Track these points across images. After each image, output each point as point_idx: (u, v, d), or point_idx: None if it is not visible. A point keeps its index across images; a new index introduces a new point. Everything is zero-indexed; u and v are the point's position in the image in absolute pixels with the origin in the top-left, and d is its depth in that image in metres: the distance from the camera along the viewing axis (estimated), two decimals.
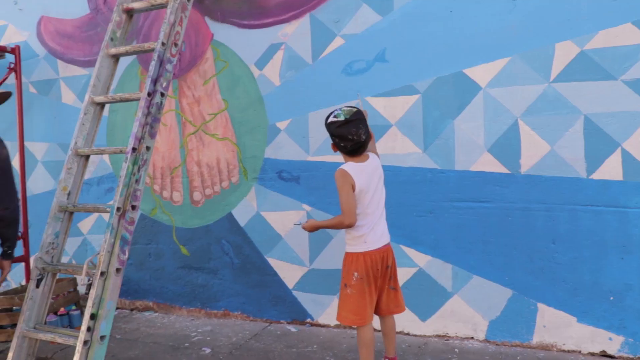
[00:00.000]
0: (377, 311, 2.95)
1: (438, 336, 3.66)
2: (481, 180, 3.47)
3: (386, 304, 2.93)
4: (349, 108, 2.80)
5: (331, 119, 2.80)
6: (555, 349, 3.38)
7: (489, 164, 3.45)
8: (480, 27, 3.44)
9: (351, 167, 2.79)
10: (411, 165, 3.66)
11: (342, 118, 2.75)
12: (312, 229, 2.98)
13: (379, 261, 2.83)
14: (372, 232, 2.83)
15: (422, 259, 3.67)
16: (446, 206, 3.57)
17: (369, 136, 2.84)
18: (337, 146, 2.85)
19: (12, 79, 5.11)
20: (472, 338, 3.57)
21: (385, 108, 3.72)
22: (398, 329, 3.70)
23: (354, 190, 2.76)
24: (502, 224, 3.44)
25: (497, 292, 3.48)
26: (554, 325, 3.38)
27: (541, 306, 3.40)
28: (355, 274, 2.81)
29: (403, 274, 3.69)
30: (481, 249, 3.50)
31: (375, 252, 2.83)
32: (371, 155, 2.91)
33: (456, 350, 3.44)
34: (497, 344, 3.49)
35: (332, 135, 2.82)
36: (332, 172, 3.77)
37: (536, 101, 3.34)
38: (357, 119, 2.75)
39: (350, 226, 2.78)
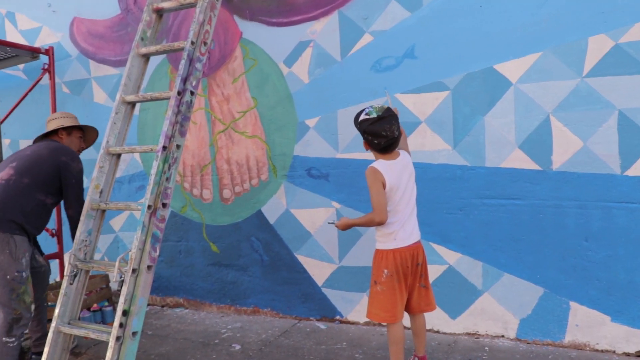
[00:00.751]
0: (407, 309, 2.98)
1: (468, 334, 3.68)
2: (512, 177, 3.48)
3: (417, 302, 2.96)
4: (379, 105, 2.84)
5: (363, 116, 2.83)
6: (588, 349, 3.37)
7: (520, 161, 3.46)
8: (511, 22, 3.45)
9: (382, 164, 2.83)
10: (441, 162, 3.68)
11: (374, 115, 2.78)
12: (345, 227, 3.01)
13: (409, 258, 2.86)
14: (402, 230, 2.86)
15: (452, 257, 3.69)
16: (476, 203, 3.59)
17: (400, 133, 2.87)
18: (369, 144, 2.87)
19: (46, 79, 5.29)
20: (503, 336, 3.58)
21: (414, 105, 3.75)
22: (428, 327, 3.75)
23: (384, 187, 2.79)
24: (533, 221, 3.44)
25: (528, 290, 3.49)
26: (586, 324, 3.37)
27: (573, 305, 3.40)
28: (385, 271, 2.84)
29: (433, 272, 3.73)
30: (512, 247, 3.50)
31: (405, 250, 2.86)
32: (402, 152, 2.94)
33: (486, 348, 3.46)
34: (528, 343, 3.50)
35: (364, 133, 2.84)
36: (361, 169, 3.84)
37: (568, 96, 3.33)
38: (389, 115, 2.78)
39: (381, 224, 2.81)
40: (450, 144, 3.65)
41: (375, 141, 2.80)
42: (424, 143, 3.73)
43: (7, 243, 3.13)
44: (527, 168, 3.44)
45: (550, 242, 3.42)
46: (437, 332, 3.77)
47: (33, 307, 3.31)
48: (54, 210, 5.20)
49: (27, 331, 4.14)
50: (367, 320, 3.99)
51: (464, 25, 3.58)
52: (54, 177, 3.34)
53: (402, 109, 3.75)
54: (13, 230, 3.17)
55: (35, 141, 3.63)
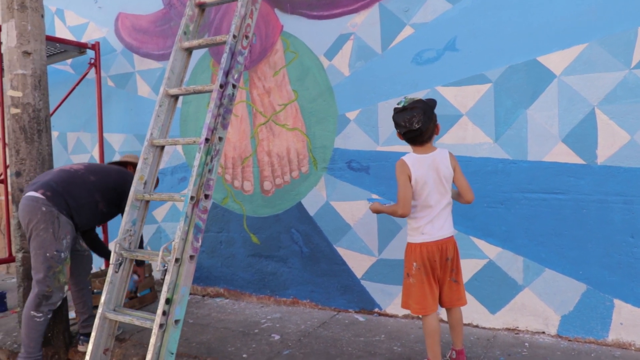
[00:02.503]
0: (440, 303, 3.06)
1: (507, 329, 3.70)
2: (555, 171, 3.48)
3: (448, 296, 3.03)
4: (411, 97, 2.95)
5: (395, 106, 3.00)
6: (633, 348, 3.35)
7: (564, 155, 3.45)
8: (556, 13, 3.44)
9: (410, 157, 2.94)
10: (482, 156, 3.71)
11: (401, 105, 2.93)
12: (375, 211, 3.15)
13: (437, 252, 2.94)
14: (430, 224, 2.94)
15: (492, 251, 3.71)
16: (518, 197, 3.60)
17: (427, 126, 2.90)
18: (399, 133, 3.00)
19: (92, 73, 5.52)
20: (544, 333, 3.60)
21: (455, 98, 3.78)
22: (467, 321, 3.79)
23: (410, 180, 2.90)
24: (577, 216, 3.43)
25: (570, 286, 3.49)
26: (632, 322, 3.35)
27: (618, 302, 3.37)
28: (414, 264, 2.96)
29: (472, 266, 3.77)
30: (554, 242, 3.51)
31: (432, 244, 2.94)
32: (440, 149, 3.00)
33: (526, 344, 3.48)
34: (569, 340, 3.50)
35: (393, 121, 2.99)
36: None
37: (615, 89, 3.30)
38: (414, 107, 2.87)
39: (403, 216, 2.93)
40: (492, 137, 3.67)
41: (397, 130, 2.97)
42: (465, 136, 3.76)
43: (52, 222, 3.34)
44: (571, 162, 3.44)
45: (594, 237, 3.40)
46: (476, 326, 3.81)
47: (66, 288, 3.52)
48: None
49: (73, 315, 4.37)
50: (406, 313, 4.06)
51: (506, 16, 3.59)
52: (116, 190, 3.67)
53: (443, 102, 3.79)
54: (62, 209, 3.40)
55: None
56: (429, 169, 2.92)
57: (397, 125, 2.93)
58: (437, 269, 2.96)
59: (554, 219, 3.50)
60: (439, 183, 2.95)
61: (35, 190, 3.36)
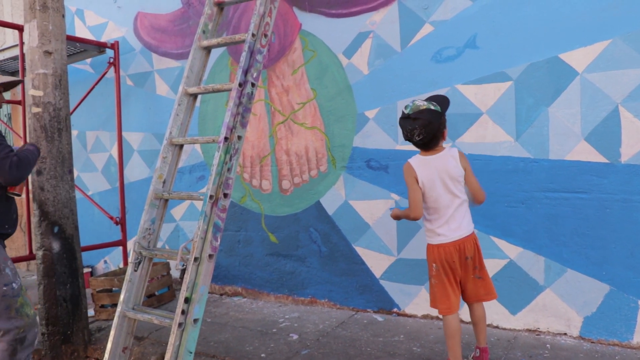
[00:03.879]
0: (465, 299, 3.10)
1: (528, 330, 3.69)
2: (577, 170, 3.46)
3: (474, 292, 3.05)
4: (418, 104, 2.92)
5: (403, 108, 3.02)
6: None
7: (586, 153, 3.43)
8: (578, 8, 3.42)
9: (416, 159, 3.01)
10: (502, 154, 3.70)
11: (406, 112, 2.94)
12: (395, 218, 3.21)
13: (455, 253, 2.95)
14: (445, 226, 2.97)
15: (513, 251, 3.71)
16: (539, 196, 3.59)
17: (431, 136, 2.92)
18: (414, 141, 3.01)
19: (111, 72, 5.60)
20: (565, 334, 3.58)
21: (475, 96, 3.78)
22: (487, 322, 3.76)
23: (417, 182, 2.95)
24: (600, 215, 3.41)
25: (593, 287, 3.47)
26: None
27: None
28: (434, 265, 3.01)
29: (493, 266, 3.76)
30: (576, 242, 3.49)
31: (449, 245, 2.96)
32: (449, 149, 3.02)
33: (548, 345, 3.47)
34: (592, 342, 3.48)
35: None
36: None
37: None
38: (418, 118, 2.88)
39: (415, 219, 2.99)
40: (513, 135, 3.66)
41: (403, 133, 2.99)
42: (485, 135, 3.75)
43: None
44: (594, 161, 3.42)
45: (618, 237, 3.38)
46: (497, 327, 3.80)
47: (38, 317, 3.03)
48: (118, 199, 5.52)
49: (92, 313, 4.42)
50: (425, 313, 4.07)
51: (527, 13, 3.58)
52: None
53: (463, 100, 3.80)
54: None
55: None
56: (435, 169, 2.95)
57: (403, 129, 2.98)
58: (457, 269, 2.97)
59: (576, 218, 3.49)
60: (449, 183, 2.96)
61: None
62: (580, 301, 3.52)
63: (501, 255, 3.75)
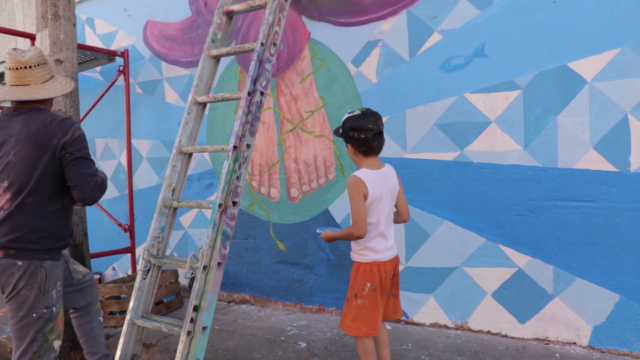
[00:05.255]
0: None
1: (537, 339, 3.69)
2: (586, 178, 3.47)
3: (386, 310, 2.98)
4: (377, 118, 2.85)
5: (346, 115, 2.88)
6: None
7: (595, 162, 3.44)
8: (587, 17, 3.44)
9: (365, 174, 2.81)
10: (511, 163, 3.71)
11: (357, 112, 2.84)
12: (328, 240, 3.03)
13: (391, 270, 2.90)
14: (383, 243, 2.87)
15: (521, 260, 3.71)
16: (548, 205, 3.60)
17: (384, 139, 2.90)
18: (355, 145, 2.86)
19: (121, 80, 5.65)
20: (575, 343, 3.57)
21: (484, 104, 3.79)
22: (495, 330, 3.82)
23: (366, 199, 2.78)
24: (609, 224, 3.41)
25: (602, 296, 3.46)
26: None
27: None
28: (368, 284, 2.82)
29: (501, 274, 3.77)
30: (585, 251, 3.49)
31: (388, 263, 2.88)
32: (388, 165, 2.96)
33: (557, 355, 3.46)
34: (602, 352, 3.47)
35: (350, 130, 2.83)
36: (429, 169, 3.94)
37: None
38: (372, 112, 2.85)
39: (360, 238, 2.80)
40: (521, 144, 3.67)
41: (362, 136, 2.79)
42: (493, 143, 3.76)
43: (34, 274, 2.66)
44: (603, 169, 3.42)
45: (627, 246, 3.38)
46: (505, 336, 3.80)
47: (58, 344, 2.82)
48: (127, 207, 5.56)
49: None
50: (434, 321, 4.07)
51: (536, 22, 3.60)
52: (59, 173, 2.71)
53: (471, 108, 3.82)
54: (41, 256, 2.69)
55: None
56: (382, 185, 2.85)
57: (362, 129, 2.79)
58: (388, 287, 2.91)
59: (585, 227, 3.49)
60: (390, 200, 2.92)
61: None
62: (589, 310, 3.51)
63: (510, 264, 3.75)
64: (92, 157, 2.80)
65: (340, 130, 2.92)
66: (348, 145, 2.92)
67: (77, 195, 2.71)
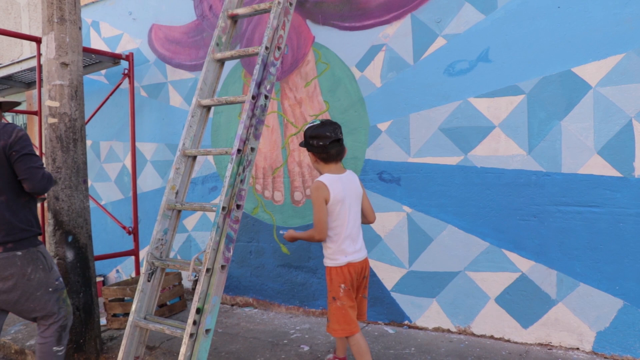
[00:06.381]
0: None
1: (540, 345, 3.67)
2: (590, 183, 3.46)
3: (358, 311, 3.16)
4: (335, 127, 3.09)
5: (308, 125, 3.13)
6: None
7: (599, 167, 3.43)
8: (591, 23, 3.44)
9: (326, 178, 3.03)
10: (515, 168, 3.70)
11: (317, 122, 3.10)
12: (291, 240, 3.23)
13: (360, 272, 3.09)
14: (352, 246, 3.05)
15: (525, 264, 3.70)
16: (551, 210, 3.59)
17: (343, 147, 3.13)
18: (316, 152, 3.08)
19: (125, 83, 5.67)
20: (578, 349, 3.56)
21: (488, 109, 3.79)
22: (498, 335, 3.82)
23: (327, 202, 2.97)
24: (613, 230, 3.40)
25: (606, 301, 3.45)
26: None
27: None
28: (342, 286, 3.01)
29: (504, 279, 3.76)
30: (589, 256, 3.48)
31: (357, 264, 3.06)
32: (349, 171, 3.18)
33: None
34: (605, 357, 3.46)
35: (310, 138, 3.06)
36: (433, 174, 3.95)
37: None
38: (333, 122, 3.10)
39: (320, 241, 3.04)
40: (525, 149, 3.66)
41: (321, 143, 3.01)
42: (497, 148, 3.76)
43: (37, 259, 3.06)
44: (607, 175, 3.41)
45: (631, 252, 3.37)
46: (508, 341, 3.79)
47: (70, 301, 3.33)
48: (131, 209, 5.57)
49: (104, 322, 4.48)
50: (436, 325, 4.06)
51: (540, 27, 3.59)
52: (12, 168, 3.01)
53: (475, 113, 3.82)
54: (34, 243, 3.09)
55: None
56: (344, 188, 3.03)
57: (321, 137, 3.01)
58: (359, 287, 3.12)
59: (589, 232, 3.48)
60: (355, 203, 3.10)
61: None
62: (593, 316, 3.50)
63: (513, 268, 3.74)
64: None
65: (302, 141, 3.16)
66: (310, 153, 3.15)
67: (28, 186, 3.01)
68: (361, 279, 3.10)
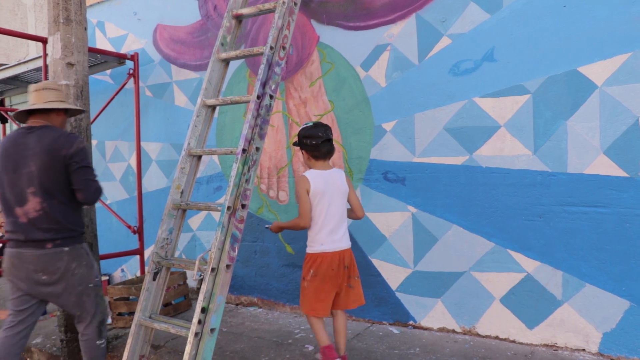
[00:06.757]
0: (334, 306, 3.39)
1: (546, 345, 3.66)
2: (596, 183, 3.44)
3: (344, 300, 3.38)
4: (326, 127, 3.38)
5: (302, 127, 3.39)
6: None
7: (605, 167, 3.41)
8: (598, 22, 3.42)
9: (310, 173, 3.33)
10: (520, 168, 3.69)
11: (311, 124, 3.38)
12: (277, 230, 3.58)
13: (336, 262, 3.28)
14: (329, 236, 3.30)
15: (530, 265, 3.68)
16: (557, 210, 3.57)
17: (333, 146, 3.42)
18: (308, 150, 3.36)
19: (130, 83, 5.68)
20: (584, 350, 3.54)
21: (493, 109, 3.77)
22: (503, 336, 3.79)
23: (308, 193, 3.27)
24: (619, 230, 3.38)
25: (612, 302, 3.43)
26: None
27: None
28: (312, 271, 3.29)
29: (510, 279, 3.74)
30: (595, 256, 3.46)
31: (332, 254, 3.28)
32: (336, 169, 3.44)
33: None
34: (612, 359, 3.43)
35: (303, 138, 3.33)
36: (438, 174, 3.93)
37: None
38: (324, 124, 3.38)
39: (304, 228, 3.33)
40: (531, 149, 3.65)
41: (313, 142, 3.30)
42: (502, 148, 3.74)
43: (80, 255, 3.24)
44: (613, 175, 3.39)
45: (638, 252, 3.34)
46: (513, 341, 3.77)
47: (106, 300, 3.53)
48: (136, 208, 5.58)
49: (110, 321, 4.50)
50: (441, 326, 4.05)
51: (546, 26, 3.58)
52: (67, 175, 3.16)
53: (480, 113, 3.80)
54: (80, 240, 3.28)
55: (18, 117, 3.39)
56: (327, 183, 3.31)
57: (313, 137, 3.29)
58: (335, 277, 3.28)
59: (595, 233, 3.46)
60: (337, 197, 3.34)
61: (41, 247, 3.11)
62: (599, 317, 3.48)
63: (518, 269, 3.72)
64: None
65: (296, 140, 3.42)
66: (303, 151, 3.43)
67: (81, 196, 3.19)
68: (342, 268, 3.29)
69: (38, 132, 3.16)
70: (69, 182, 3.15)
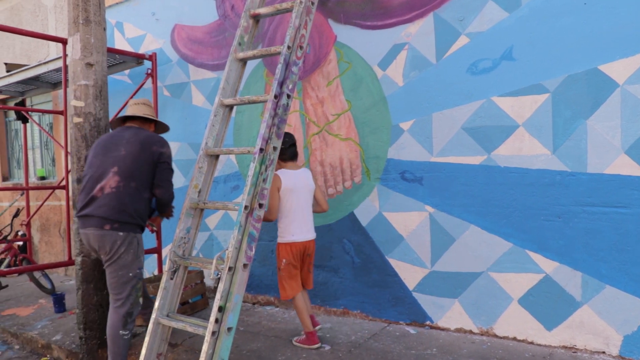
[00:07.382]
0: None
1: (564, 347, 3.61)
2: (617, 183, 3.39)
3: (305, 281, 4.00)
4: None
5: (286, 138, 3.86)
6: None
7: (626, 167, 3.36)
8: (619, 19, 3.37)
9: (282, 172, 3.82)
10: (539, 167, 3.65)
11: (291, 141, 3.91)
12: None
13: (302, 250, 3.87)
14: (299, 227, 3.84)
15: (549, 265, 3.64)
16: (576, 210, 3.53)
17: (297, 151, 4.00)
18: (282, 151, 3.76)
19: (149, 83, 5.71)
20: (604, 352, 3.49)
21: (512, 108, 3.74)
22: (521, 337, 3.78)
23: (279, 190, 3.75)
24: None
25: (633, 304, 3.38)
26: None
27: None
28: (284, 260, 3.84)
29: (528, 280, 3.71)
30: (615, 257, 3.41)
31: (300, 244, 3.85)
32: (304, 169, 3.98)
33: None
34: None
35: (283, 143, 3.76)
36: (456, 173, 3.91)
37: None
38: (289, 133, 3.90)
39: (271, 221, 3.81)
40: (550, 148, 3.60)
41: (282, 146, 3.70)
42: (521, 147, 3.71)
43: (131, 243, 3.46)
44: (634, 175, 3.34)
45: None
46: (531, 343, 3.74)
47: (141, 300, 3.64)
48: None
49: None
50: (458, 326, 4.03)
51: (566, 24, 3.53)
52: (153, 172, 3.55)
53: (498, 112, 3.77)
54: (135, 230, 3.51)
55: (114, 124, 3.84)
56: (297, 181, 3.83)
57: (283, 142, 3.68)
58: (301, 262, 3.89)
59: (615, 233, 3.41)
60: (306, 193, 3.88)
61: (100, 227, 3.39)
62: (619, 319, 3.43)
63: (537, 269, 3.69)
64: None
65: None
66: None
67: (159, 192, 3.57)
68: (305, 256, 3.90)
69: (135, 130, 3.62)
70: (150, 174, 3.51)
